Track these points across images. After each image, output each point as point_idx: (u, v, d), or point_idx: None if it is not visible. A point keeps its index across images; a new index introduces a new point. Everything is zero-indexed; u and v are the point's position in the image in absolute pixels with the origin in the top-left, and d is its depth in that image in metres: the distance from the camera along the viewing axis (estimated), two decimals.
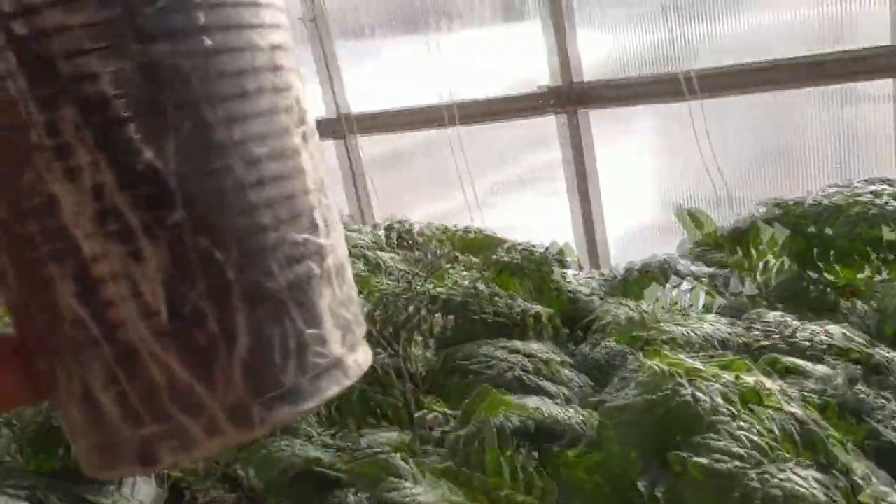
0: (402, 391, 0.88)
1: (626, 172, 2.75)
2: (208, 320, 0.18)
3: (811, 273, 1.02)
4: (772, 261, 1.10)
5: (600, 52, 2.57)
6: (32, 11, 0.18)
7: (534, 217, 3.00)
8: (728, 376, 0.51)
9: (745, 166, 2.46)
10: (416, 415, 0.87)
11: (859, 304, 0.87)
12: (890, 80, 2.20)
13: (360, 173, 3.13)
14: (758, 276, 1.10)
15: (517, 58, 2.72)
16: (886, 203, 0.87)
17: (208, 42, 0.19)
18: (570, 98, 2.55)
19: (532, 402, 0.68)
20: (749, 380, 0.51)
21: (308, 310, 0.19)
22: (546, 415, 0.65)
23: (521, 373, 0.77)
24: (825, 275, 1.00)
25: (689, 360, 0.53)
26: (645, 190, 2.74)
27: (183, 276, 0.18)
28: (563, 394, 0.68)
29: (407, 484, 0.52)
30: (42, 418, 0.76)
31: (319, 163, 0.21)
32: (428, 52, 2.74)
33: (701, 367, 0.52)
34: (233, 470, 0.81)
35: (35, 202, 0.18)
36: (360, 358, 0.21)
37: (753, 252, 1.14)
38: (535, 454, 0.57)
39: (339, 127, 3.06)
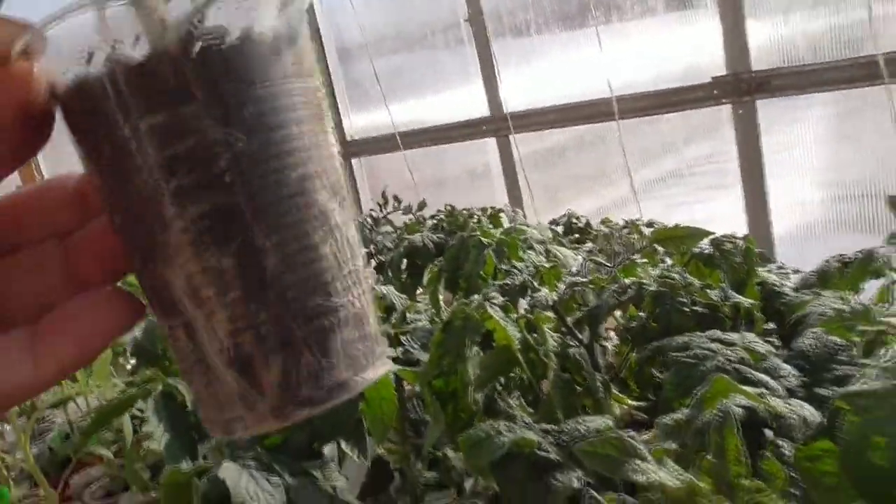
0: (601, 381, 0.88)
1: (798, 164, 2.60)
2: (256, 356, 0.26)
3: None
4: None
5: (779, 36, 2.44)
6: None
7: (697, 210, 2.91)
8: None
9: None
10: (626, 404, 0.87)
11: None
12: None
13: (518, 169, 3.15)
14: None
15: (686, 48, 2.64)
16: None
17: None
18: (746, 88, 2.45)
19: (760, 394, 0.67)
20: None
21: (323, 348, 0.27)
22: (774, 406, 0.64)
23: (738, 364, 0.76)
24: None
25: None
26: (817, 183, 2.58)
27: (243, 326, 0.26)
28: (785, 386, 0.66)
29: (651, 466, 0.53)
30: None
31: (343, 245, 0.28)
32: (590, 46, 2.72)
33: None
34: (442, 454, 0.85)
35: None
36: (370, 375, 0.28)
37: None
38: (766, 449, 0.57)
39: (498, 125, 3.10)
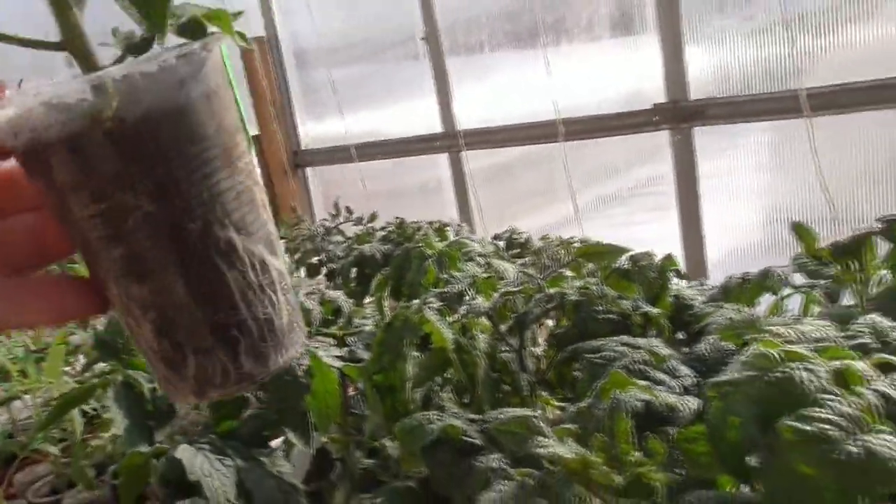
0: (527, 381, 0.98)
1: (732, 190, 2.75)
2: (175, 356, 0.34)
3: None
4: (885, 275, 1.14)
5: (713, 68, 2.59)
6: None
7: (636, 231, 3.04)
8: (825, 360, 0.59)
9: (856, 186, 2.43)
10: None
11: None
12: None
13: (468, 184, 3.25)
14: (872, 290, 1.14)
15: (629, 74, 2.77)
16: None
17: None
18: (683, 115, 2.59)
19: (654, 389, 0.77)
20: (845, 363, 0.59)
21: (230, 351, 0.34)
22: (663, 399, 0.74)
23: (643, 366, 0.86)
24: None
25: (792, 347, 0.61)
26: (749, 208, 2.73)
27: (163, 336, 0.34)
28: (682, 384, 0.76)
29: (552, 442, 0.62)
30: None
31: (250, 266, 0.35)
32: (539, 67, 2.83)
33: (805, 352, 0.60)
34: (381, 444, 0.93)
35: None
36: (274, 366, 0.36)
37: (865, 265, 1.18)
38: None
39: (451, 142, 3.20)
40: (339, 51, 3.54)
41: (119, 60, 0.33)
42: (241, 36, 0.35)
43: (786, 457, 0.53)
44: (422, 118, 3.28)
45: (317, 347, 0.97)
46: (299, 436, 0.96)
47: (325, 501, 0.92)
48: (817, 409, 0.54)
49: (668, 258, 1.31)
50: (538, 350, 1.18)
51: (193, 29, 0.32)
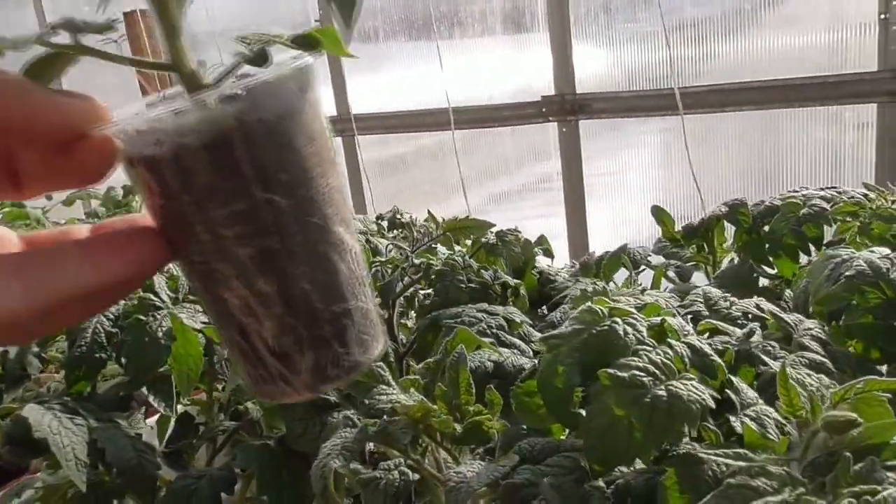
0: (393, 349, 1.01)
1: (618, 185, 2.88)
2: (294, 351, 0.36)
3: (764, 268, 1.15)
4: (734, 257, 1.23)
5: (600, 65, 2.71)
6: None
7: (529, 226, 3.13)
8: (643, 316, 0.64)
9: (731, 183, 2.60)
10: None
11: (787, 290, 1.01)
12: (874, 105, 2.33)
13: (361, 171, 3.26)
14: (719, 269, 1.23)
15: (520, 68, 2.86)
16: (815, 205, 1.00)
17: None
18: (570, 108, 2.69)
19: (504, 351, 0.81)
20: (664, 318, 0.64)
21: (342, 341, 0.36)
22: (508, 358, 0.79)
23: (498, 330, 0.90)
24: (769, 268, 1.13)
25: (618, 305, 0.66)
26: (634, 202, 2.86)
27: (285, 331, 0.35)
28: (534, 349, 0.81)
29: (393, 391, 0.65)
30: (83, 350, 0.89)
31: (352, 260, 0.37)
32: (433, 58, 2.88)
33: (628, 309, 0.65)
34: (244, 406, 0.94)
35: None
36: (374, 353, 0.37)
37: (715, 247, 1.28)
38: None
39: (344, 126, 3.20)
40: (232, 33, 3.48)
41: (225, 75, 0.36)
42: (343, 50, 0.39)
43: (602, 401, 0.57)
44: None
45: (181, 313, 0.97)
46: (161, 399, 0.95)
47: (185, 462, 0.92)
48: (634, 359, 0.59)
49: (541, 238, 1.38)
50: (411, 323, 1.21)
51: (306, 42, 0.37)
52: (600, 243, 2.85)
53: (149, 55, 3.04)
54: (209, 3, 3.43)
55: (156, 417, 1.13)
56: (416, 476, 0.69)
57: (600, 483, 0.63)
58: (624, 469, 0.65)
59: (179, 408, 1.01)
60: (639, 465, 0.66)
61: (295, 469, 0.81)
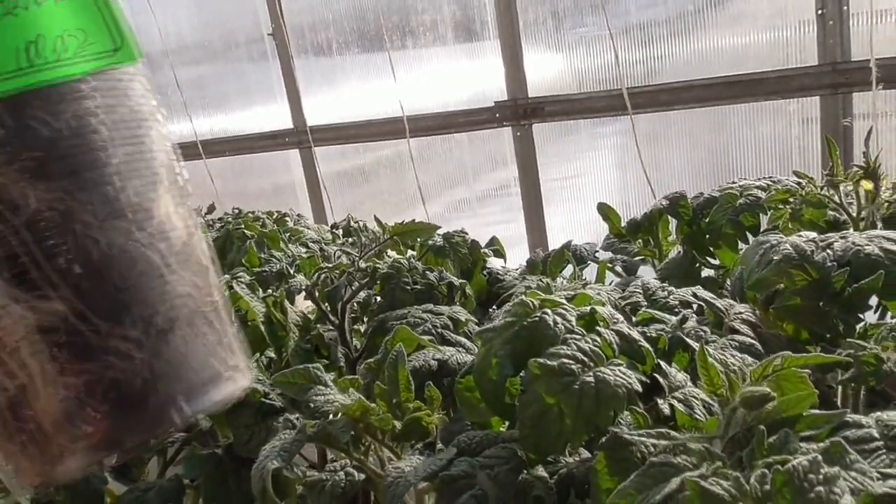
0: (343, 353, 1.01)
1: (575, 189, 2.92)
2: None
3: (708, 259, 1.18)
4: (678, 249, 1.26)
5: (552, 70, 2.75)
6: None
7: (489, 233, 3.15)
8: (573, 307, 0.66)
9: (684, 180, 2.65)
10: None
11: (728, 279, 1.04)
12: (817, 98, 2.39)
13: (320, 182, 3.26)
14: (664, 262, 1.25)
15: (473, 75, 2.89)
16: (751, 195, 1.03)
17: None
18: (523, 112, 2.72)
19: (447, 350, 0.83)
20: (594, 307, 0.66)
21: None
22: (453, 356, 0.80)
23: (443, 329, 0.91)
24: (712, 259, 1.16)
25: (549, 297, 0.67)
26: (592, 205, 2.89)
27: None
28: (477, 346, 0.82)
29: (331, 391, 0.65)
30: None
31: None
32: (386, 68, 2.89)
33: (558, 300, 0.66)
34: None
35: None
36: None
37: (660, 241, 1.30)
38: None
39: (301, 137, 3.19)
40: (186, 50, 3.47)
41: None
42: None
43: (533, 390, 0.59)
44: (273, 118, 3.28)
45: None
46: None
47: (135, 476, 0.91)
48: (563, 347, 0.60)
49: (492, 240, 1.39)
50: (363, 327, 1.21)
51: None
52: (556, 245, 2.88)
53: None
54: (161, 22, 3.41)
55: None
56: (362, 476, 0.69)
57: (543, 473, 0.65)
58: (568, 459, 0.66)
59: None
60: (584, 454, 0.68)
61: (244, 476, 0.81)
